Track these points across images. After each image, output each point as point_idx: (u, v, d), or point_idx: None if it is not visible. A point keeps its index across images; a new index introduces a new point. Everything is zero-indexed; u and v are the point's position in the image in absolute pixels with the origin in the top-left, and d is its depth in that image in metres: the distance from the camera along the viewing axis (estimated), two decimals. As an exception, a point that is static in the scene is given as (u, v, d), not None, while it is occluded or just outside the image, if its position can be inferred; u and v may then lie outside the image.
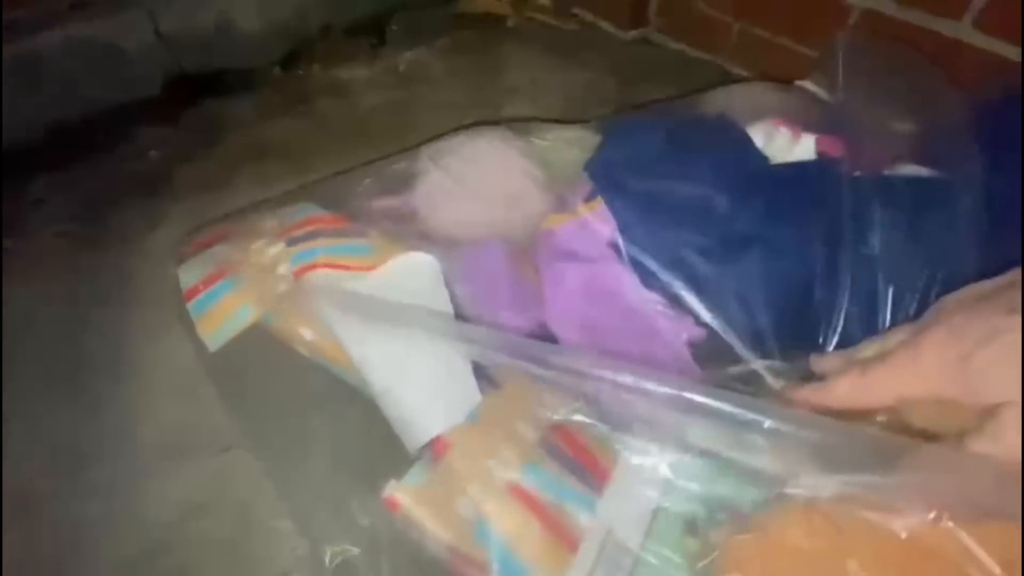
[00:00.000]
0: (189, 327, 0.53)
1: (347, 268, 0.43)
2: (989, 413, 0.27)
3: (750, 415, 0.27)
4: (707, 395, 0.28)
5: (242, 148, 0.77)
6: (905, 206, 0.36)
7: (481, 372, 0.42)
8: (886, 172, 0.39)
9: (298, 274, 0.44)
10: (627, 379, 0.30)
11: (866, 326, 0.34)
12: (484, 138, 0.52)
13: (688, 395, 0.29)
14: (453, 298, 0.43)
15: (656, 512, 0.34)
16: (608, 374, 0.30)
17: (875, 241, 0.35)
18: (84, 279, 0.62)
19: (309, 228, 0.47)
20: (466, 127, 0.56)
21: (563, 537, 0.35)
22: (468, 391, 0.41)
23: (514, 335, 0.35)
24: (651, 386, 0.30)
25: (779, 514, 0.30)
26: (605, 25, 0.95)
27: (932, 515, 0.26)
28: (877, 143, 0.41)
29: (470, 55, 0.92)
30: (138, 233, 0.67)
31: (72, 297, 0.61)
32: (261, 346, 0.50)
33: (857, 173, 0.38)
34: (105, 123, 0.76)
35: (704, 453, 0.31)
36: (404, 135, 0.72)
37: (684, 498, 0.33)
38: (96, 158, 0.75)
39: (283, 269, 0.45)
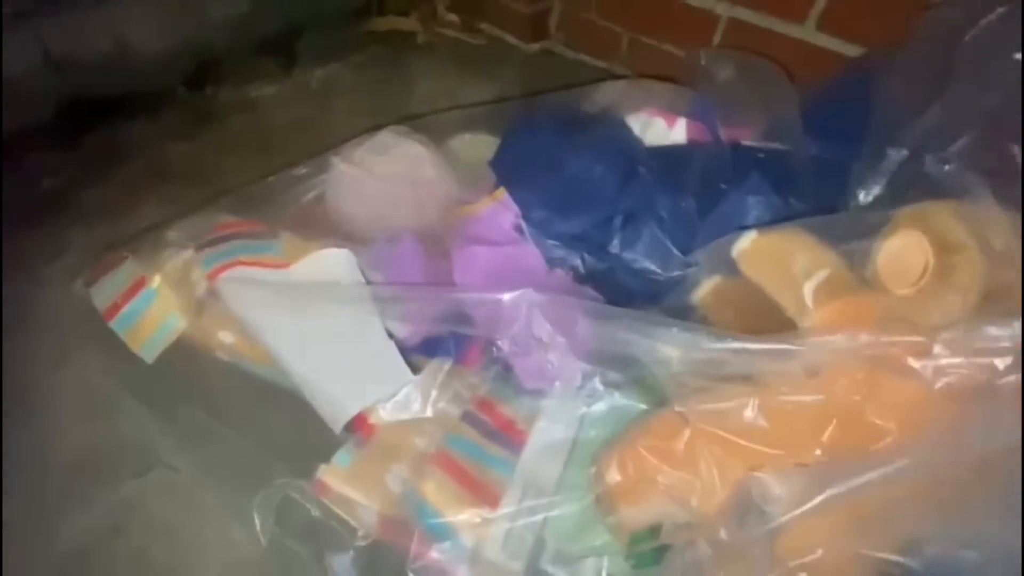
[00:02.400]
0: (101, 349, 0.52)
1: (261, 266, 0.44)
2: None
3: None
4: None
5: (145, 171, 0.75)
6: (755, 168, 0.42)
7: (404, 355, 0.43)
8: (740, 146, 0.46)
9: (212, 276, 0.45)
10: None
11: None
12: (392, 134, 0.55)
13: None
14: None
15: (574, 443, 0.37)
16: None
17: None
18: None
19: (218, 233, 0.47)
20: (376, 129, 0.58)
21: (486, 496, 0.37)
22: (394, 371, 0.42)
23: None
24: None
25: None
26: (510, 39, 1.00)
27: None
28: (731, 129, 0.48)
29: (381, 71, 0.94)
30: (38, 262, 0.64)
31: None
32: (182, 357, 0.49)
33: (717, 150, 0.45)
34: (-6, 151, 0.73)
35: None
36: (315, 148, 0.72)
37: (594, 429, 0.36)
38: (-14, 187, 0.71)
39: (196, 274, 0.45)
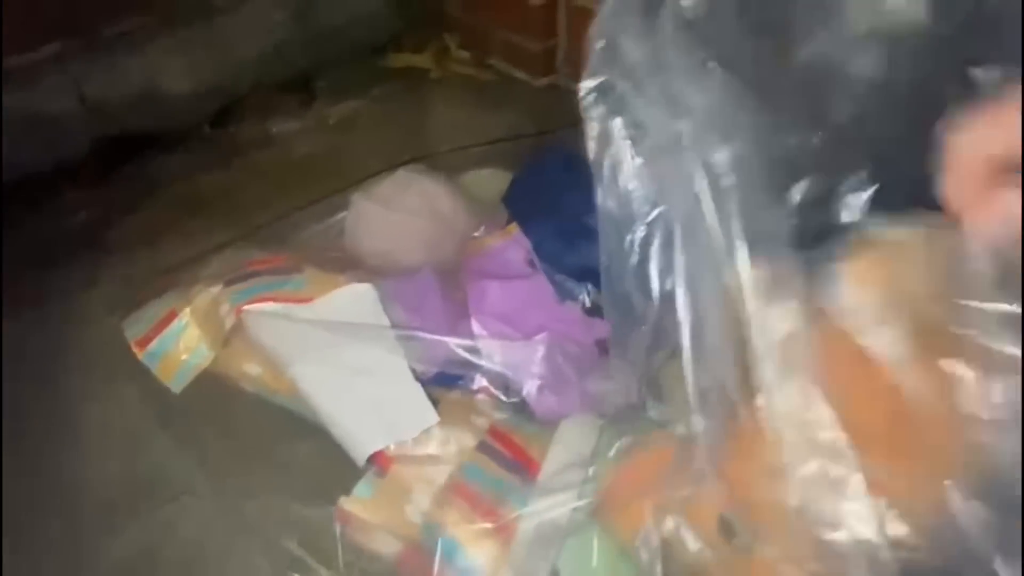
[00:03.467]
0: (133, 381, 0.54)
1: (285, 301, 0.46)
2: None
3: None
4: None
5: (173, 205, 0.79)
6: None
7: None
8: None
9: (239, 311, 0.47)
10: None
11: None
12: (411, 172, 0.57)
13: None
14: (391, 322, 0.47)
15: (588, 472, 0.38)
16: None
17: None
18: (20, 342, 0.61)
19: (246, 270, 0.50)
20: (394, 168, 0.61)
21: (502, 525, 0.38)
22: (418, 409, 0.44)
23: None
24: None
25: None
26: (519, 74, 1.04)
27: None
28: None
29: (397, 105, 0.98)
30: (71, 295, 0.66)
31: (9, 361, 0.59)
32: (210, 389, 0.51)
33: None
34: (32, 188, 0.76)
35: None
36: (336, 182, 0.75)
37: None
38: (25, 223, 0.74)
39: (225, 309, 0.47)
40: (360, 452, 0.42)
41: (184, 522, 0.49)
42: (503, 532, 0.38)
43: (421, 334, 0.45)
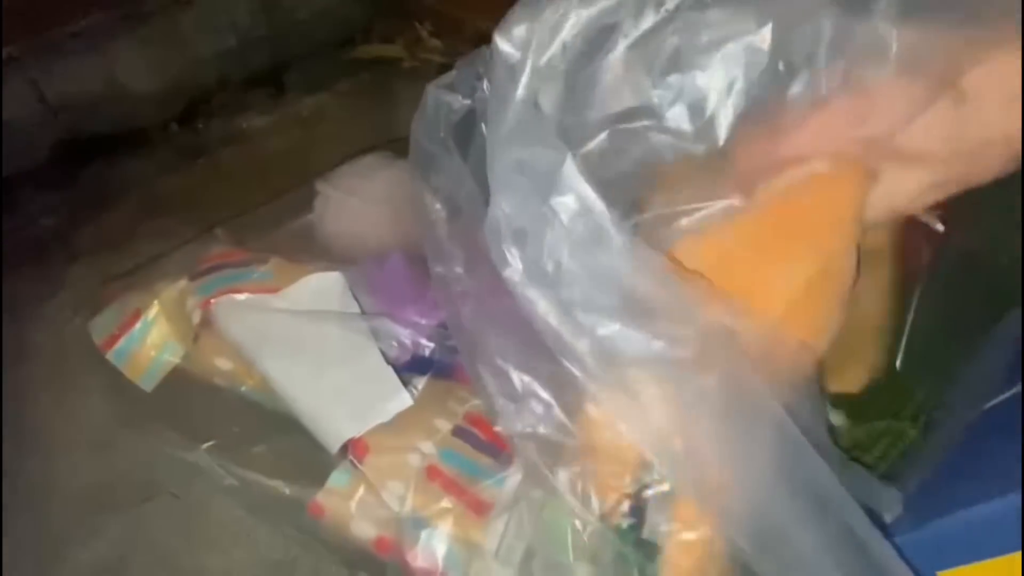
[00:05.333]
0: (103, 382, 0.53)
1: (253, 292, 0.45)
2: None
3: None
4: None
5: (141, 205, 0.77)
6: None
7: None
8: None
9: (206, 305, 0.46)
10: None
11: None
12: (377, 158, 0.56)
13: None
14: (361, 309, 0.46)
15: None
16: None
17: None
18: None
19: (210, 263, 0.49)
20: (362, 154, 0.60)
21: (479, 507, 0.38)
22: (391, 393, 0.43)
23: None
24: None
25: None
26: (492, 60, 1.03)
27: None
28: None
29: (369, 97, 0.96)
30: (36, 300, 0.65)
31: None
32: (180, 386, 0.50)
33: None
34: (-9, 194, 0.74)
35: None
36: (307, 176, 0.74)
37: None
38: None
39: (191, 303, 0.46)
40: (333, 440, 0.41)
41: (160, 521, 0.48)
42: (479, 513, 0.38)
43: (392, 320, 0.44)
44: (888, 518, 0.32)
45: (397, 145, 0.68)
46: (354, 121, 0.91)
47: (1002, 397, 0.35)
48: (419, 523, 0.38)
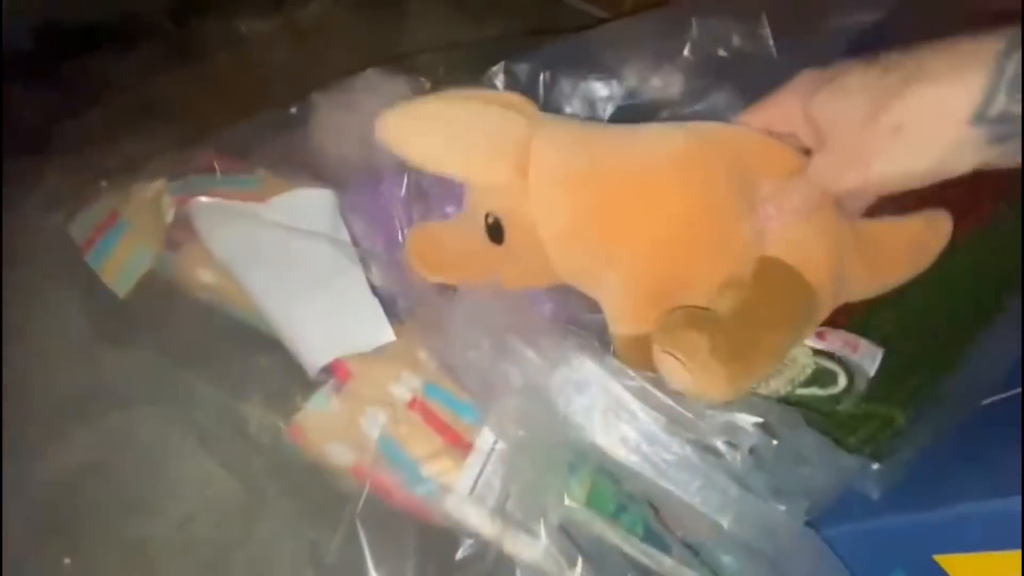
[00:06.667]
0: (80, 286, 0.51)
1: (236, 199, 0.43)
2: None
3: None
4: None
5: (127, 105, 0.72)
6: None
7: (385, 308, 0.43)
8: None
9: (182, 202, 0.43)
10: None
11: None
12: (379, 73, 0.53)
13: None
14: (351, 235, 0.44)
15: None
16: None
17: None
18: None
19: (193, 164, 0.46)
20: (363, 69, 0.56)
21: (459, 442, 0.37)
22: (374, 325, 0.42)
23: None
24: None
25: None
26: (511, -20, 0.95)
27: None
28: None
29: (375, 10, 0.90)
30: (13, 196, 0.62)
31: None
32: (161, 296, 0.48)
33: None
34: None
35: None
36: (304, 89, 0.70)
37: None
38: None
39: (165, 202, 0.44)
40: (311, 362, 0.40)
41: (136, 430, 0.47)
42: (459, 449, 0.37)
43: (382, 252, 0.42)
44: (875, 495, 0.32)
45: (402, 60, 0.64)
46: (357, 33, 0.86)
47: (1002, 397, 0.34)
48: (398, 452, 0.37)
